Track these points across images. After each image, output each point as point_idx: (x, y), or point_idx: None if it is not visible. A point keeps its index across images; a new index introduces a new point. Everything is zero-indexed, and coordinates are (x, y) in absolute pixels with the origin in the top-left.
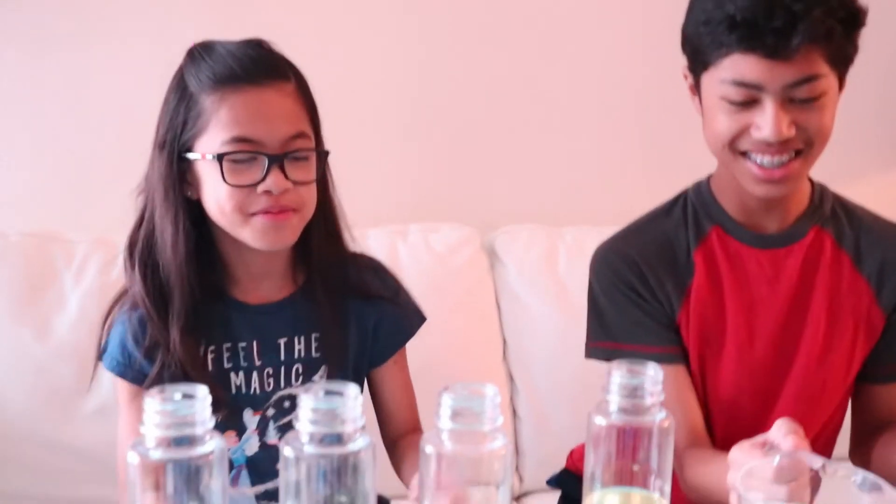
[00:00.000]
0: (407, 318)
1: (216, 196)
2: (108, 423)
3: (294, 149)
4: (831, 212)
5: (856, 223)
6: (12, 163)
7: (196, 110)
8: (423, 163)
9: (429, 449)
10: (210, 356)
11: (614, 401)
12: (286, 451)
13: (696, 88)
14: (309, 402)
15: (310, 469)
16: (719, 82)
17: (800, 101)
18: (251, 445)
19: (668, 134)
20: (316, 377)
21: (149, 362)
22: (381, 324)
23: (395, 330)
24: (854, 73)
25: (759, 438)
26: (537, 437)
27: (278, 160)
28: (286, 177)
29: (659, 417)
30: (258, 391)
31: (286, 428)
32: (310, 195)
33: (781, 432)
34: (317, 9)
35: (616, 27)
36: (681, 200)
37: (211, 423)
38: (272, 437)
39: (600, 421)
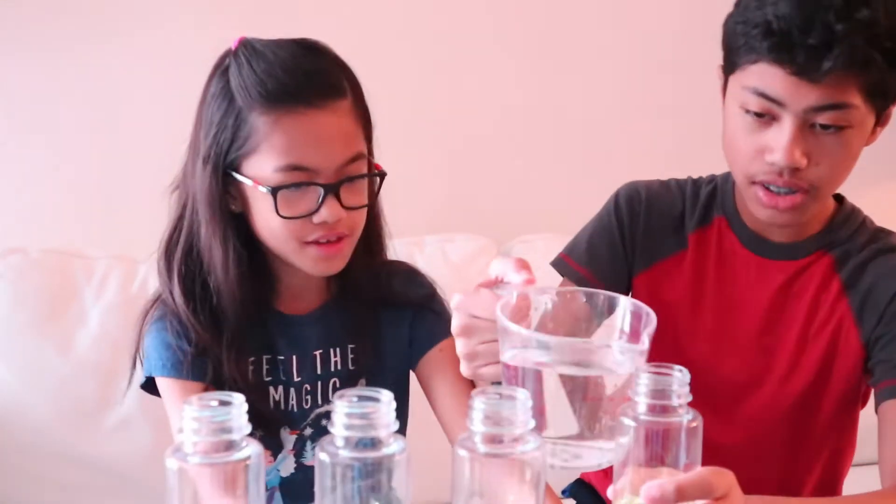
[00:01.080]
0: (442, 321)
1: (268, 224)
2: (129, 438)
3: (349, 175)
4: (849, 237)
5: (873, 251)
6: (33, 179)
7: (246, 129)
8: (439, 174)
9: (462, 453)
10: (250, 367)
11: (642, 402)
12: (321, 456)
13: (724, 90)
14: (343, 407)
15: (344, 473)
16: (742, 88)
17: (821, 126)
18: (287, 466)
19: (683, 143)
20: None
21: (201, 360)
22: (416, 328)
23: (430, 334)
24: None
25: (481, 279)
26: None
27: (333, 189)
28: (342, 205)
29: (686, 418)
30: (296, 408)
31: None
32: (361, 217)
33: (512, 266)
34: (332, 17)
35: (631, 36)
36: (706, 181)
37: (248, 429)
38: (309, 457)
39: (629, 423)
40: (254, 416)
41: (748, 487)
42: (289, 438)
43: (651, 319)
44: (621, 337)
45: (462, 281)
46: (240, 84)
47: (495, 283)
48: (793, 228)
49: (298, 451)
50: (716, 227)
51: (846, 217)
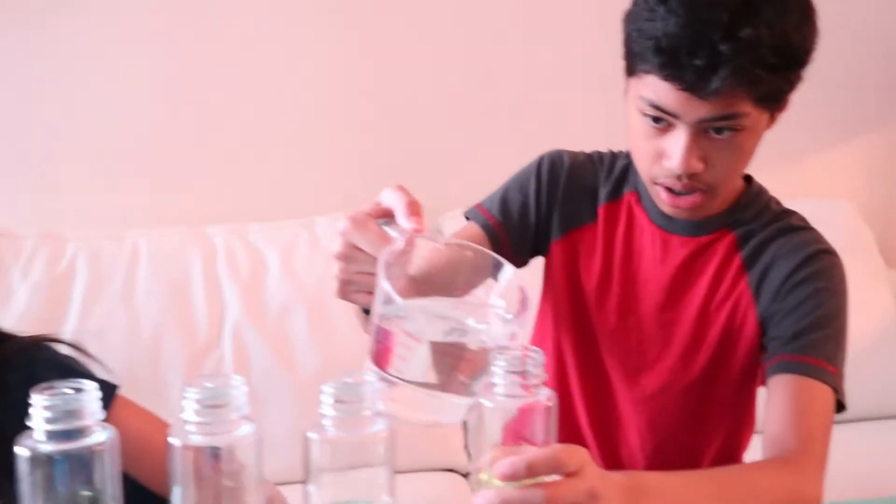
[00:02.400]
0: None
1: None
2: None
3: None
4: (753, 217)
5: (773, 231)
6: None
7: None
8: (371, 149)
9: (312, 435)
10: None
11: (499, 382)
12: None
13: (626, 88)
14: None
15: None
16: (639, 97)
17: (715, 131)
18: None
19: (616, 116)
20: None
21: None
22: None
23: None
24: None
25: (373, 206)
26: None
27: None
28: None
29: (542, 398)
30: None
31: None
32: None
33: (404, 209)
34: (269, 3)
35: (569, 20)
36: (624, 155)
37: (101, 414)
38: None
39: (487, 403)
40: None
41: (651, 457)
42: None
43: (528, 303)
44: (497, 307)
45: None
46: None
47: (384, 215)
48: None
49: None
50: (626, 201)
51: (752, 198)
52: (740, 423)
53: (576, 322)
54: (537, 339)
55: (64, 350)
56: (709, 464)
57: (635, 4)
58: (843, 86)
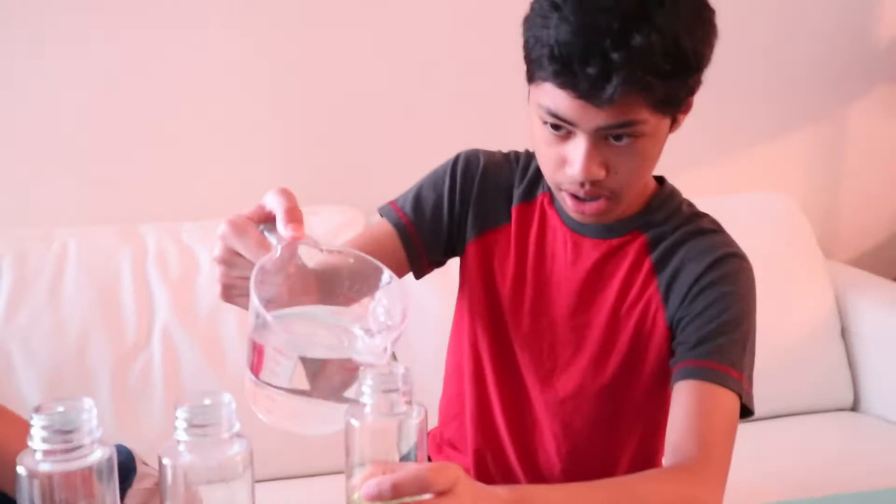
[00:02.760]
0: None
1: None
2: None
3: None
4: (664, 220)
5: (683, 234)
6: None
7: None
8: (303, 146)
9: (166, 461)
10: None
11: (368, 402)
12: (20, 470)
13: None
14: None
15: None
16: (538, 105)
17: (615, 138)
18: None
19: None
20: None
21: None
22: None
23: None
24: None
25: (255, 208)
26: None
27: None
28: None
29: (413, 415)
30: None
31: None
32: None
33: (282, 216)
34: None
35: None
36: (534, 157)
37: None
38: None
39: (354, 423)
40: None
41: (567, 461)
42: None
43: (408, 315)
44: (374, 319)
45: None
46: None
47: (267, 218)
48: None
49: None
50: (539, 202)
51: (663, 200)
52: (655, 428)
53: (491, 324)
54: (455, 340)
55: None
56: (625, 468)
57: (532, 9)
58: (781, 78)
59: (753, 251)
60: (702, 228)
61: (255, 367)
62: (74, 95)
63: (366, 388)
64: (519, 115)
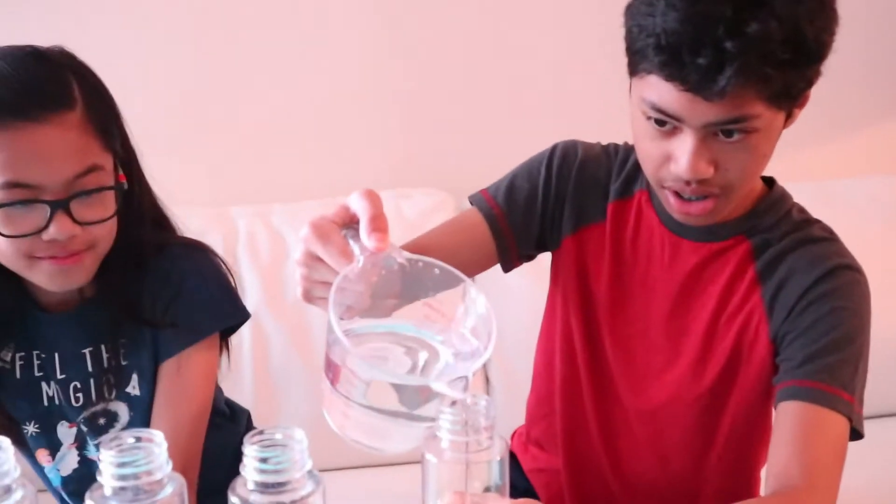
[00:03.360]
0: (196, 320)
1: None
2: None
3: (81, 189)
4: (772, 226)
5: (792, 242)
6: None
7: None
8: (395, 129)
9: (234, 499)
10: (19, 363)
11: (445, 437)
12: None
13: (630, 86)
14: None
15: None
16: (641, 99)
17: (725, 134)
18: (69, 462)
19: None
20: (129, 387)
21: None
22: (174, 319)
23: (179, 331)
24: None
25: (340, 210)
26: (509, 404)
27: (62, 206)
28: (74, 220)
29: (493, 450)
30: (72, 403)
31: None
32: (105, 231)
33: (367, 224)
34: None
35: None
36: (633, 151)
37: (16, 472)
38: (92, 451)
39: (432, 459)
40: (28, 410)
41: (658, 471)
42: (68, 433)
43: (493, 339)
44: (459, 336)
45: (416, 236)
46: None
47: (350, 221)
48: None
49: (81, 444)
50: (636, 200)
51: (772, 203)
52: (752, 444)
53: (585, 324)
54: (546, 337)
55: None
56: (717, 483)
57: None
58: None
59: (867, 236)
60: (813, 236)
61: (333, 379)
62: (169, 75)
63: (444, 424)
64: (619, 106)
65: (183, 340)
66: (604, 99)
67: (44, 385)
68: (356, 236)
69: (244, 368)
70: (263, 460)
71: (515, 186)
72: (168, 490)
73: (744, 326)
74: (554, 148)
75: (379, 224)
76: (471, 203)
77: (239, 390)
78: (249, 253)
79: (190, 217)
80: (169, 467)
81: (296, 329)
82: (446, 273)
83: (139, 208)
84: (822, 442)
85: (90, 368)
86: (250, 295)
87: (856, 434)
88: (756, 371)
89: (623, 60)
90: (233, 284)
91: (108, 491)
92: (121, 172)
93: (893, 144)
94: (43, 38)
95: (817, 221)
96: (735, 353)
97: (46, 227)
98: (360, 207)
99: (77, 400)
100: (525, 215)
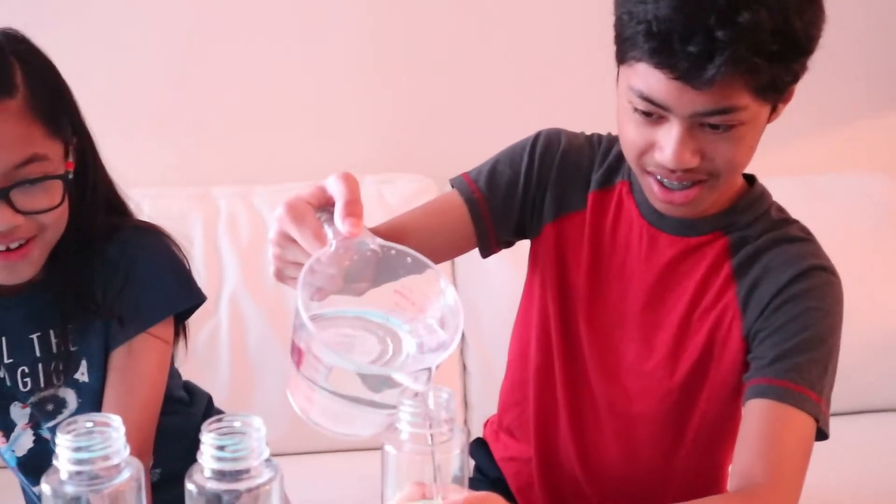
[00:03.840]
0: (147, 306)
1: None
2: None
3: (24, 178)
4: (750, 223)
5: (769, 240)
6: None
7: None
8: (380, 113)
9: (190, 486)
10: None
11: (405, 429)
12: (45, 489)
13: (618, 75)
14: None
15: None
16: (628, 87)
17: (711, 126)
18: (24, 442)
19: None
20: (78, 374)
21: None
22: (123, 307)
23: (129, 318)
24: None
25: (316, 191)
26: (485, 391)
27: (1, 195)
28: (16, 210)
29: (452, 443)
30: (19, 388)
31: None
32: (52, 219)
33: (342, 209)
34: None
35: None
36: (616, 142)
37: (127, 450)
38: (46, 431)
39: (390, 450)
40: None
41: (626, 463)
42: (21, 413)
43: (460, 332)
44: (426, 327)
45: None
46: None
47: (326, 203)
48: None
49: (35, 424)
50: (617, 190)
51: (751, 201)
52: (720, 440)
53: (561, 313)
54: (521, 325)
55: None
56: (685, 478)
57: None
58: (884, 50)
59: (850, 231)
60: (790, 236)
61: (297, 362)
62: (153, 56)
63: (404, 416)
64: (603, 96)
65: (133, 327)
66: (588, 89)
67: None
68: (330, 220)
69: (221, 350)
70: (221, 448)
71: (497, 171)
72: (125, 475)
73: (717, 322)
74: (538, 135)
75: (354, 209)
76: (451, 186)
77: (216, 371)
78: (230, 234)
79: (171, 197)
80: (126, 452)
81: (274, 311)
82: (418, 262)
83: (93, 194)
84: (788, 440)
85: (38, 353)
86: (229, 276)
87: (821, 434)
88: (727, 368)
89: (608, 50)
90: (187, 267)
91: (64, 475)
92: (69, 160)
93: (875, 140)
94: (23, 21)
95: (795, 221)
96: (707, 348)
97: None
98: (336, 190)
99: (25, 385)
100: (506, 201)
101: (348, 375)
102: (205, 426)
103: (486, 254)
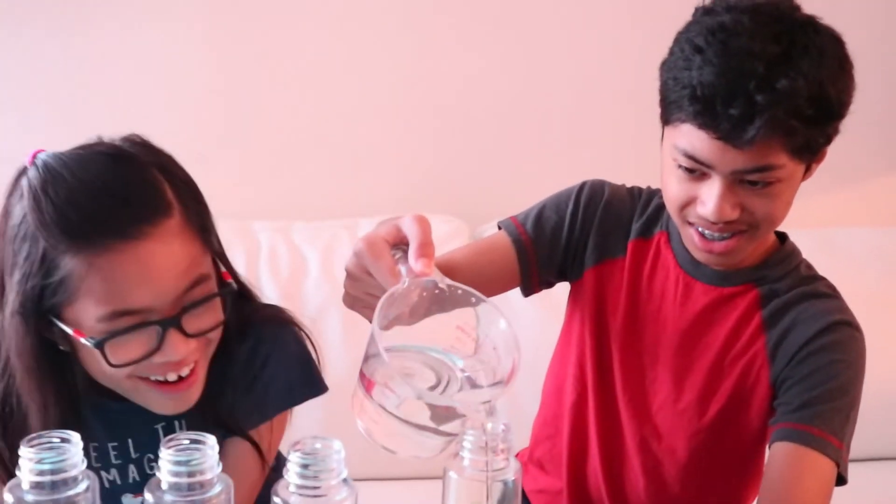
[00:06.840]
0: (269, 402)
1: (100, 369)
2: None
3: (191, 302)
4: (780, 277)
5: (798, 295)
6: None
7: (57, 275)
8: (416, 155)
9: (276, 500)
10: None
11: (466, 456)
12: (148, 497)
13: (662, 133)
14: (168, 455)
15: None
16: (673, 146)
17: (750, 182)
18: None
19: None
20: None
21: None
22: (246, 401)
23: (251, 414)
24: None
25: (392, 230)
26: (513, 430)
27: (173, 323)
28: (187, 335)
29: (507, 473)
30: (138, 478)
31: None
32: (218, 333)
33: (415, 249)
34: (314, 6)
35: (617, 21)
36: (661, 193)
37: (84, 464)
38: None
39: (453, 475)
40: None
41: (653, 500)
42: (133, 502)
43: (517, 373)
44: (484, 365)
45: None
46: (38, 219)
47: (401, 241)
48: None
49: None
50: (656, 240)
51: (783, 257)
52: (745, 482)
53: (598, 353)
54: (558, 362)
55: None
56: None
57: (672, 53)
58: None
59: (864, 285)
60: (818, 291)
61: (367, 387)
62: (196, 92)
63: (465, 444)
64: (634, 147)
65: (252, 422)
66: (619, 141)
67: (103, 473)
68: (404, 258)
69: None
70: (304, 466)
71: (544, 216)
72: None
73: (746, 369)
74: (583, 185)
75: (427, 250)
76: (499, 227)
77: None
78: (270, 267)
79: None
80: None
81: (315, 342)
82: (481, 302)
83: (238, 297)
84: (810, 482)
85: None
86: None
87: (840, 480)
88: (754, 412)
89: (644, 104)
90: (314, 358)
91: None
92: (222, 269)
93: (891, 198)
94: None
95: (822, 278)
96: (736, 393)
97: (158, 348)
98: (411, 231)
99: (150, 469)
100: (551, 243)
101: (418, 405)
102: (290, 446)
103: (527, 293)
